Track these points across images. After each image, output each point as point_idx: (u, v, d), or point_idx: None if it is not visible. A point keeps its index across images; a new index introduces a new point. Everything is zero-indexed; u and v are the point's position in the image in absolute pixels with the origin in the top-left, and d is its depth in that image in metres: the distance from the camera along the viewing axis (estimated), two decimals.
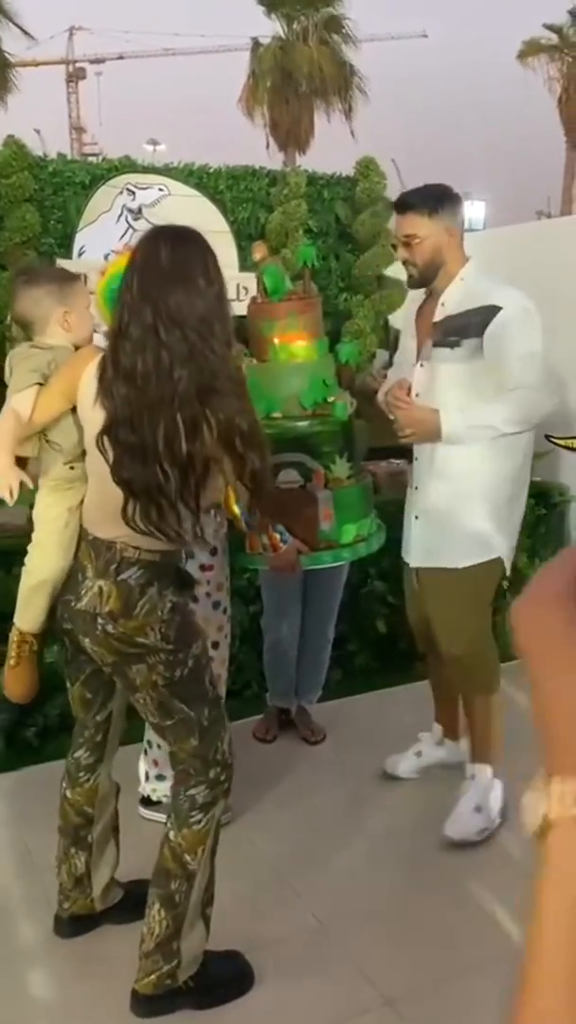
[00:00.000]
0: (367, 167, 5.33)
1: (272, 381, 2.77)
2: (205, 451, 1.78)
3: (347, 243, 5.26)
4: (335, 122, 23.97)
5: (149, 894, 2.01)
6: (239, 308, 4.65)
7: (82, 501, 2.02)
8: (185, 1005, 2.02)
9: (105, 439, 1.81)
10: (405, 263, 2.66)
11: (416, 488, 2.74)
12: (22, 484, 2.00)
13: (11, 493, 1.96)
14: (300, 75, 22.44)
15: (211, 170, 5.08)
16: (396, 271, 5.73)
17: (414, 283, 2.71)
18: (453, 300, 2.60)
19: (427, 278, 2.64)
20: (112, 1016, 2.02)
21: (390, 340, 4.03)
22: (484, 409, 2.54)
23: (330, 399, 2.82)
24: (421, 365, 2.66)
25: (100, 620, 1.88)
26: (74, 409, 1.96)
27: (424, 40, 38.05)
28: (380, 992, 2.12)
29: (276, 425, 2.74)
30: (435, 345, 2.60)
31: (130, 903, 2.26)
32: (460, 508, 2.63)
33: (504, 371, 2.51)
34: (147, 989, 2.00)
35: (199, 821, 1.99)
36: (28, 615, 2.04)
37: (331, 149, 21.36)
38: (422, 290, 2.75)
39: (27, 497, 3.52)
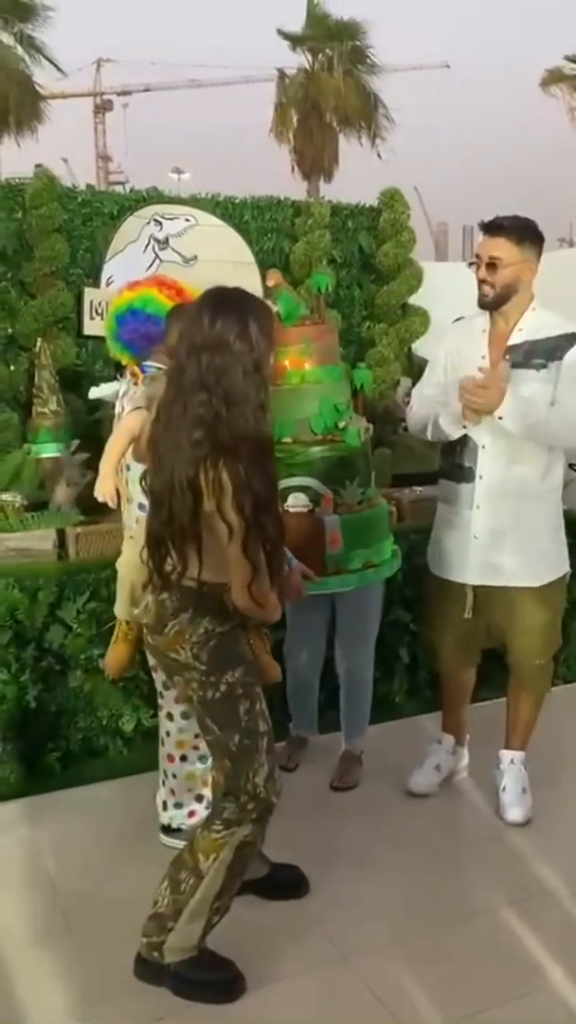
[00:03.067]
0: (391, 198, 5.38)
1: (283, 405, 2.79)
2: (214, 510, 1.88)
3: (370, 273, 5.30)
4: (359, 151, 24.21)
5: (167, 870, 2.18)
6: None
7: None
8: (167, 985, 2.16)
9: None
10: (482, 283, 2.73)
11: (478, 507, 2.79)
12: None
13: (111, 498, 2.23)
14: (326, 105, 22.71)
15: (236, 200, 5.16)
16: (419, 299, 5.75)
17: (487, 304, 2.78)
18: (530, 326, 2.74)
19: (500, 302, 2.73)
20: None
21: (414, 368, 4.05)
22: (551, 412, 2.70)
23: (341, 424, 2.85)
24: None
25: (146, 629, 2.10)
26: None
27: (446, 70, 38.41)
28: (396, 1019, 2.10)
29: (286, 449, 2.77)
30: (517, 366, 2.66)
31: (271, 884, 2.49)
32: (531, 526, 2.80)
33: (569, 392, 2.69)
34: (144, 951, 2.17)
35: (219, 832, 2.10)
36: (118, 603, 2.39)
37: (354, 178, 21.58)
38: (478, 318, 2.82)
39: (54, 521, 3.58)
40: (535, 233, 2.73)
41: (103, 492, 2.27)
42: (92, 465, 3.87)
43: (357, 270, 5.37)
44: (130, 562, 2.21)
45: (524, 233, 2.69)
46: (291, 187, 22.75)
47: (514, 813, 2.94)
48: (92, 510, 3.73)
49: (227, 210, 5.06)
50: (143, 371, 2.60)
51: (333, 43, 22.96)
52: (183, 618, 2.01)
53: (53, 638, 3.31)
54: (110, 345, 2.77)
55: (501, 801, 2.98)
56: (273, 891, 2.51)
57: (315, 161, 23.35)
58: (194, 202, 5.08)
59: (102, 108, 38.24)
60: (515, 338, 2.74)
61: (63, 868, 2.73)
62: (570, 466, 3.88)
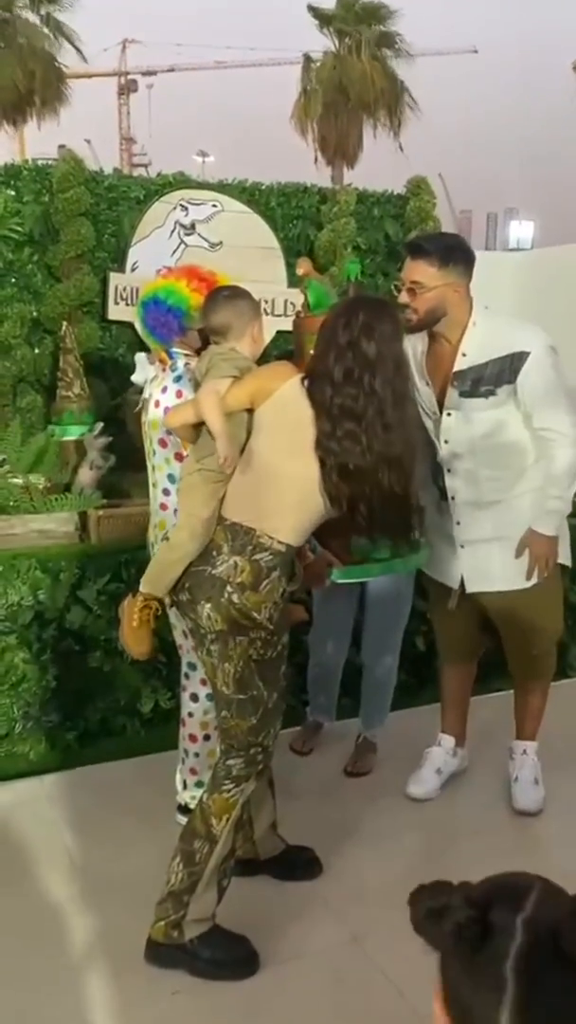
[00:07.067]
0: (418, 186, 5.35)
1: None
2: None
3: (396, 261, 5.29)
4: (382, 137, 24.03)
5: (175, 848, 2.23)
6: (285, 323, 4.73)
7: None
8: (183, 966, 2.20)
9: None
10: (404, 307, 2.64)
11: (459, 523, 2.81)
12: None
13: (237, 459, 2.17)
14: (352, 90, 22.55)
15: (263, 187, 5.15)
16: None
17: (410, 329, 2.66)
18: (473, 348, 2.64)
19: (424, 326, 2.66)
20: None
21: None
22: (551, 492, 2.72)
23: None
24: (449, 414, 2.70)
25: (229, 588, 2.11)
26: (249, 411, 2.16)
27: (474, 55, 38.02)
28: (411, 1005, 2.14)
29: None
30: (465, 395, 2.65)
31: (286, 864, 2.57)
32: (515, 530, 2.76)
33: (538, 408, 2.66)
34: (157, 935, 2.22)
35: (229, 790, 2.20)
36: (163, 582, 2.26)
37: (378, 164, 21.43)
38: (419, 337, 2.73)
39: (76, 504, 3.62)
40: (462, 253, 2.63)
41: (232, 456, 2.13)
42: (115, 449, 3.92)
43: (383, 258, 5.36)
44: (193, 539, 2.19)
45: (448, 255, 2.58)
46: (315, 171, 22.64)
47: (526, 802, 2.97)
48: (113, 493, 3.78)
49: (253, 196, 5.06)
50: (170, 357, 2.63)
51: (361, 26, 22.77)
52: (274, 577, 2.13)
53: (74, 619, 3.36)
54: (139, 329, 2.80)
55: (513, 791, 3.01)
56: (287, 872, 2.56)
57: (339, 147, 23.22)
58: (220, 188, 5.08)
59: (127, 89, 38.13)
60: (460, 364, 2.65)
61: (81, 844, 2.79)
62: None
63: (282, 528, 2.14)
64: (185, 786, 2.83)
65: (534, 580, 2.78)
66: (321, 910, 2.47)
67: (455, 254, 2.61)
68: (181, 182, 5.05)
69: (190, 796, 2.81)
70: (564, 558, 2.90)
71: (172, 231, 4.91)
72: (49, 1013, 2.13)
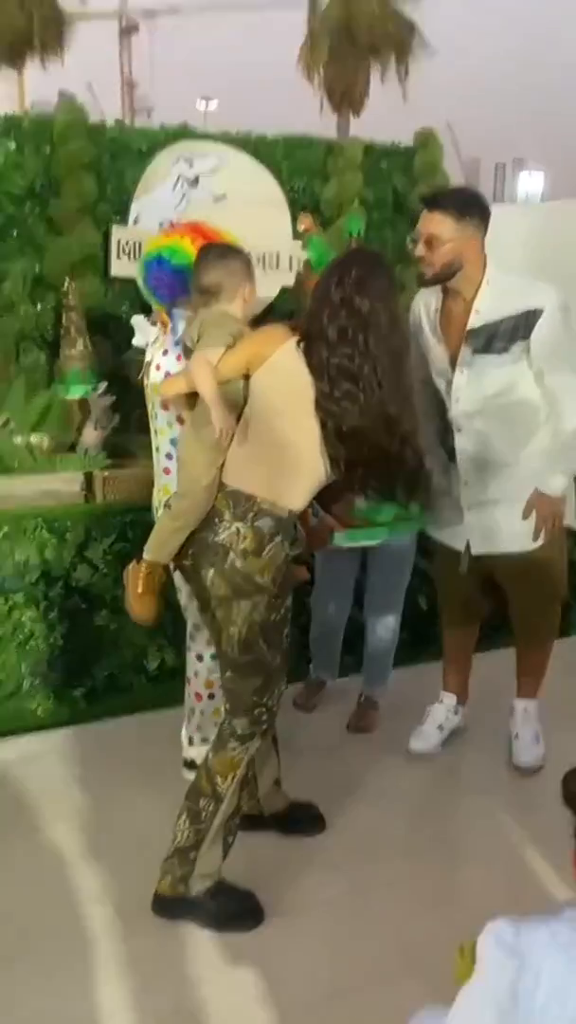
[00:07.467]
0: (427, 138, 5.23)
1: None
2: None
3: (404, 215, 5.20)
4: (391, 83, 23.43)
5: (181, 806, 2.28)
6: (290, 279, 4.66)
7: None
8: (190, 917, 2.26)
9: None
10: (420, 260, 2.65)
11: (466, 483, 2.82)
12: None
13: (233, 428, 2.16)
14: (359, 32, 21.94)
15: (268, 139, 5.05)
16: None
17: (425, 283, 2.70)
18: (487, 305, 2.64)
19: (440, 280, 2.66)
20: None
21: None
22: (561, 450, 2.72)
23: None
24: (461, 372, 2.69)
25: (232, 555, 2.13)
26: (245, 378, 2.15)
27: None
28: (410, 956, 2.20)
29: None
30: (478, 352, 2.64)
31: (289, 820, 2.63)
32: (520, 492, 2.75)
33: (549, 365, 2.66)
34: (163, 889, 2.28)
35: (235, 749, 2.24)
36: (166, 549, 2.28)
37: (385, 111, 20.94)
38: (432, 293, 2.75)
39: (82, 464, 3.62)
40: (479, 207, 2.63)
41: (226, 427, 2.13)
42: (119, 408, 3.90)
43: (390, 212, 5.26)
44: (195, 507, 2.20)
45: (465, 208, 2.59)
46: (320, 119, 22.16)
47: (527, 759, 3.02)
48: (118, 454, 3.77)
49: (258, 148, 4.96)
50: (171, 318, 2.60)
51: None
52: (276, 542, 2.14)
53: (80, 577, 3.39)
54: (141, 289, 2.78)
55: (514, 747, 3.06)
56: (291, 827, 2.62)
57: (345, 94, 22.67)
58: (225, 139, 4.97)
59: (128, 31, 37.16)
60: (473, 322, 2.65)
61: (89, 799, 2.85)
62: None
63: (284, 494, 2.15)
64: (191, 742, 2.89)
65: (540, 541, 2.79)
66: (324, 865, 2.54)
67: (472, 208, 2.61)
68: (185, 133, 4.95)
69: (196, 752, 2.86)
70: (571, 519, 2.91)
71: (176, 184, 4.82)
72: (57, 963, 2.19)
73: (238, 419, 2.17)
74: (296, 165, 5.07)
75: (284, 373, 2.10)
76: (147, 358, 2.69)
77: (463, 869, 2.57)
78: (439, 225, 2.58)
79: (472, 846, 2.68)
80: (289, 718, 3.23)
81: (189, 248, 2.53)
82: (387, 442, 2.08)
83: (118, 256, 4.66)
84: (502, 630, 3.26)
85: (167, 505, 2.34)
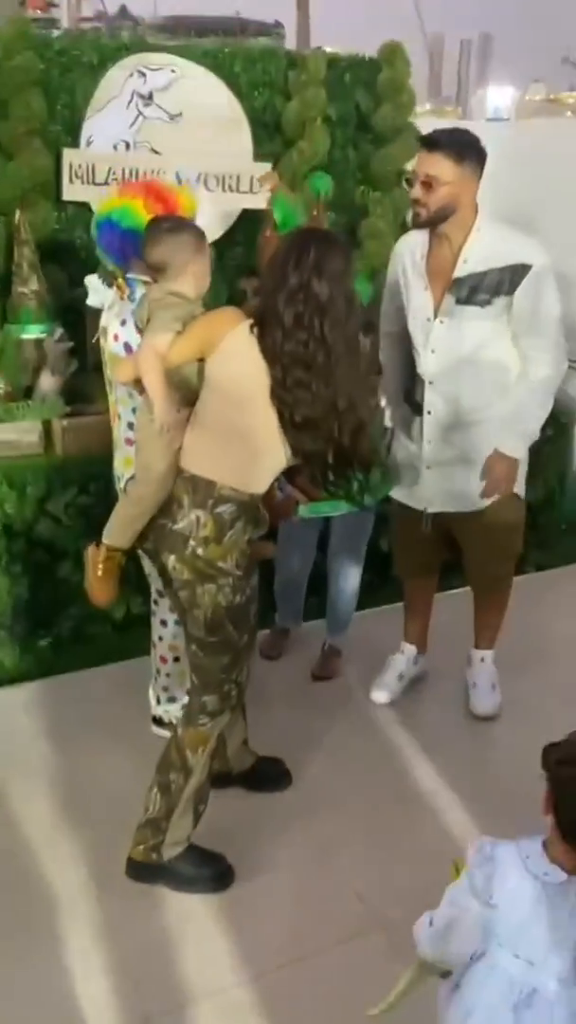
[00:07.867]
0: (392, 53, 4.96)
1: None
2: None
3: (367, 133, 4.99)
4: None
5: (152, 779, 2.32)
6: (254, 201, 4.49)
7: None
8: (162, 882, 2.35)
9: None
10: (415, 202, 2.60)
11: (429, 442, 2.80)
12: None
13: (172, 424, 2.14)
14: None
15: (226, 50, 4.77)
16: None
17: (420, 224, 2.66)
18: (475, 255, 2.60)
19: (433, 223, 2.61)
20: None
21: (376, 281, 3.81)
22: (524, 410, 2.71)
23: None
24: (441, 321, 2.64)
25: (192, 543, 2.12)
26: (201, 360, 2.10)
27: None
28: (372, 910, 2.32)
29: None
30: (461, 302, 2.59)
31: (256, 776, 2.70)
32: (481, 453, 2.76)
33: (527, 326, 2.64)
34: (136, 856, 2.35)
35: (205, 724, 2.28)
36: (126, 535, 2.28)
37: None
38: (419, 236, 2.69)
39: (40, 412, 3.54)
40: (477, 150, 2.58)
41: (168, 422, 2.13)
42: (75, 350, 3.79)
43: (353, 129, 5.03)
44: (154, 494, 2.18)
45: (463, 151, 2.54)
46: None
47: (484, 707, 3.13)
48: (78, 398, 3.69)
49: (216, 60, 4.69)
50: (128, 285, 2.51)
51: None
52: (237, 527, 2.13)
53: (43, 531, 3.37)
54: (97, 250, 2.67)
55: (471, 696, 3.17)
56: (257, 784, 2.71)
57: None
58: (180, 51, 4.70)
59: None
60: (460, 270, 2.62)
61: (58, 754, 2.90)
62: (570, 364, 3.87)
63: (244, 479, 2.13)
64: (159, 701, 2.94)
65: (488, 501, 2.79)
66: (289, 821, 2.63)
67: (470, 152, 2.57)
68: (138, 44, 4.66)
69: (163, 710, 2.92)
70: (519, 489, 2.91)
71: (129, 101, 4.55)
72: (28, 924, 2.27)
73: (195, 402, 2.13)
74: (256, 79, 4.81)
75: (237, 360, 2.05)
76: (103, 322, 2.60)
77: (424, 820, 2.68)
78: (437, 166, 2.52)
79: (432, 796, 2.78)
80: (255, 667, 3.29)
81: (141, 210, 2.43)
82: (339, 434, 2.05)
83: (71, 180, 4.44)
84: (458, 569, 3.29)
85: (125, 490, 2.31)
